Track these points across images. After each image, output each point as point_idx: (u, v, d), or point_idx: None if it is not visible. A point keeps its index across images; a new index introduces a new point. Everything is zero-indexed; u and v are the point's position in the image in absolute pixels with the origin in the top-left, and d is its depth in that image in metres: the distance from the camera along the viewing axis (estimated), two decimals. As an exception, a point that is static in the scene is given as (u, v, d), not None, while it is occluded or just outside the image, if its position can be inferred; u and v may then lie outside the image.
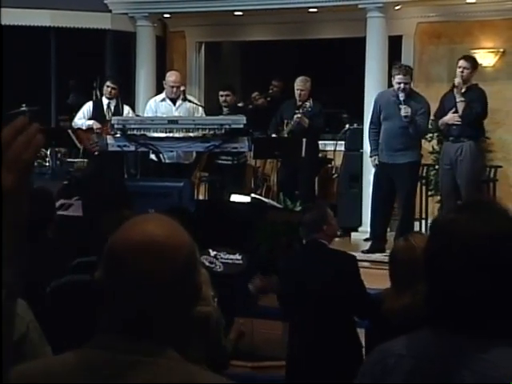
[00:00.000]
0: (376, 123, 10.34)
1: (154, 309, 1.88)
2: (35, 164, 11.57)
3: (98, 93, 11.97)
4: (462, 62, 10.28)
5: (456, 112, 10.16)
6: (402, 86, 9.99)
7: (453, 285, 2.15)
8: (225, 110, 11.63)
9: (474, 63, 10.37)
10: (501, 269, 2.11)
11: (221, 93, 11.84)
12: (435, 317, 2.19)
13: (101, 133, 11.29)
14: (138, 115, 11.79)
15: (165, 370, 1.86)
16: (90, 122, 11.48)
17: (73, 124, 11.74)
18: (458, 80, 10.17)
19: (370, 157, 10.46)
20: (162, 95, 11.39)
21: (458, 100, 10.17)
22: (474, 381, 2.05)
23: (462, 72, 10.22)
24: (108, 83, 11.69)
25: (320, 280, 5.81)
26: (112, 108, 11.65)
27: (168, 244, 1.89)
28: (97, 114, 11.60)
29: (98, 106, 11.69)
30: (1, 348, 1.51)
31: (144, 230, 1.91)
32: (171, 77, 11.38)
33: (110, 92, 11.64)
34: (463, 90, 10.20)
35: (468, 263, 2.13)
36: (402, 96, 9.96)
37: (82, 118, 11.61)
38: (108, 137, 10.74)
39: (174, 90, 11.22)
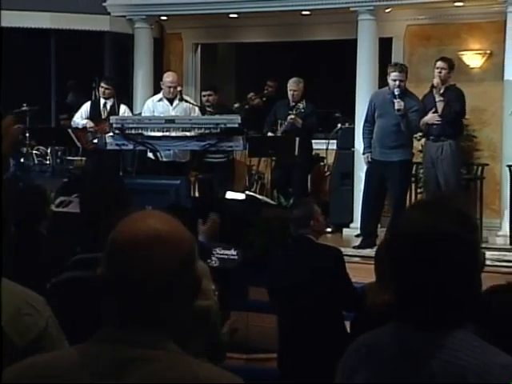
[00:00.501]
0: (370, 121, 10.36)
1: (157, 300, 1.89)
2: (35, 162, 11.61)
3: (97, 93, 11.96)
4: (439, 63, 10.35)
5: (436, 112, 10.21)
6: (397, 82, 10.01)
7: (410, 280, 2.20)
8: (208, 109, 11.63)
9: (450, 64, 10.43)
10: (450, 264, 2.15)
11: (203, 93, 11.90)
12: (400, 310, 2.23)
13: (95, 131, 11.32)
14: (135, 114, 11.77)
15: (166, 364, 1.86)
16: (85, 122, 11.51)
17: (72, 123, 11.75)
18: (436, 80, 10.25)
19: (363, 154, 10.47)
20: (160, 95, 11.39)
21: (437, 100, 10.24)
22: (441, 368, 2.10)
23: (440, 72, 10.29)
24: (102, 84, 11.71)
25: (307, 274, 5.84)
26: (108, 107, 11.67)
27: (170, 237, 1.90)
28: (94, 113, 11.62)
29: (95, 105, 11.72)
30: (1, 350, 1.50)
31: (147, 225, 1.91)
32: (168, 77, 11.39)
33: (104, 92, 11.67)
34: (442, 91, 10.27)
35: (420, 259, 2.17)
36: (397, 91, 9.97)
37: (80, 117, 11.63)
38: (107, 136, 10.75)
39: (171, 90, 11.23)
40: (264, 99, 13.08)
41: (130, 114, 11.64)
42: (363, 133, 10.47)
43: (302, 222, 6.19)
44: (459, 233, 2.18)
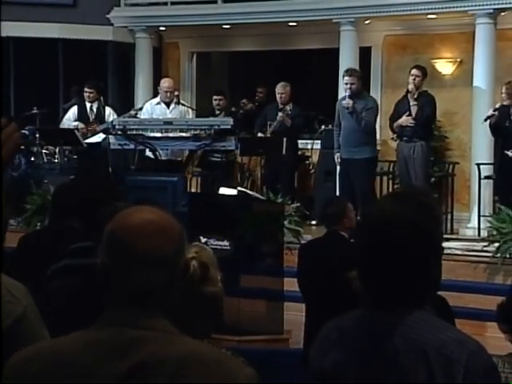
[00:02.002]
0: (338, 125, 10.62)
1: (155, 285, 1.90)
2: (45, 160, 11.59)
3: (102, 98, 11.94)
4: (414, 71, 10.42)
5: (410, 115, 10.27)
6: (348, 85, 10.23)
7: (373, 264, 2.23)
8: (218, 112, 11.66)
9: (424, 71, 10.51)
10: (410, 251, 2.18)
11: (214, 97, 11.89)
12: (365, 293, 2.26)
13: (86, 132, 11.34)
14: (135, 115, 11.75)
15: (164, 343, 1.87)
16: (76, 123, 11.51)
17: (61, 125, 11.74)
18: (411, 86, 10.33)
19: (334, 154, 10.62)
20: (157, 99, 11.41)
21: (411, 104, 10.32)
22: (404, 345, 2.13)
23: (415, 79, 10.35)
24: (85, 88, 11.68)
25: (337, 268, 5.80)
26: (95, 110, 11.67)
27: (163, 226, 1.93)
28: (81, 116, 11.62)
29: (82, 109, 11.69)
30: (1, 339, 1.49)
31: (143, 217, 1.93)
32: (165, 83, 11.40)
33: (89, 96, 11.65)
34: (416, 96, 10.32)
35: (382, 245, 2.20)
36: (348, 92, 10.20)
37: (69, 120, 11.65)
38: (110, 136, 10.76)
39: (168, 94, 11.24)
40: (256, 104, 13.09)
41: (115, 116, 11.56)
42: (334, 136, 10.70)
43: (335, 218, 6.17)
44: (420, 222, 2.20)
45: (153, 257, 1.89)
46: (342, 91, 11.36)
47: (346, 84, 10.27)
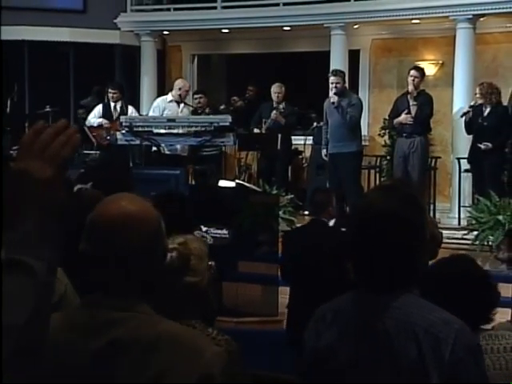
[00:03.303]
0: (326, 123, 10.65)
1: (129, 270, 1.89)
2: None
3: (108, 97, 11.93)
4: (413, 72, 10.37)
5: (409, 113, 10.27)
6: (333, 84, 10.25)
7: (363, 251, 2.23)
8: (199, 110, 11.59)
9: (422, 72, 10.50)
10: (396, 239, 2.19)
11: (195, 96, 11.80)
12: (357, 277, 2.26)
13: (110, 128, 11.32)
14: (141, 114, 11.74)
15: (136, 323, 1.87)
16: (100, 120, 11.50)
17: (86, 122, 11.72)
18: (411, 87, 10.30)
19: (321, 150, 10.70)
20: (169, 97, 11.35)
21: (411, 104, 10.29)
22: (394, 326, 2.15)
23: (414, 80, 10.31)
24: (109, 89, 11.69)
25: (321, 252, 5.79)
26: (118, 108, 11.65)
27: (139, 216, 1.91)
28: (105, 113, 11.60)
29: (106, 107, 11.69)
30: (1, 339, 1.48)
31: (119, 206, 1.93)
32: (181, 83, 11.41)
33: (112, 96, 11.65)
34: (415, 95, 10.29)
35: (371, 233, 2.20)
36: (334, 90, 10.24)
37: (94, 117, 11.62)
38: (117, 132, 10.74)
39: (183, 94, 11.24)
40: (246, 101, 13.07)
41: (137, 114, 11.61)
42: (322, 133, 10.73)
43: (321, 207, 6.16)
44: (406, 213, 2.20)
45: (128, 246, 1.88)
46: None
47: (332, 83, 10.29)
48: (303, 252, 5.94)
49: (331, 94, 10.29)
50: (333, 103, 10.20)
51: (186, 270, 2.83)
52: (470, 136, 10.33)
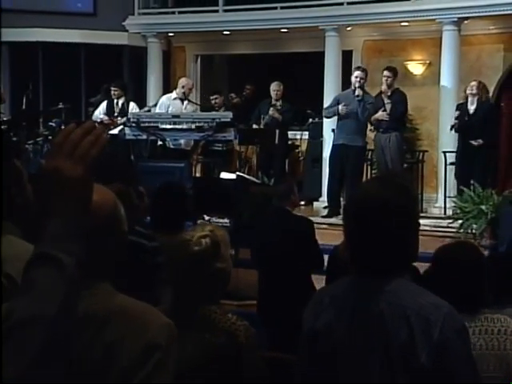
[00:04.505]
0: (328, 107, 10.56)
1: (89, 251, 1.86)
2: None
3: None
4: (385, 72, 10.38)
5: (385, 110, 10.26)
6: (358, 78, 10.19)
7: (360, 238, 2.24)
8: (217, 109, 11.62)
9: (394, 72, 10.47)
10: (391, 226, 2.19)
11: (211, 97, 11.87)
12: (353, 263, 2.26)
13: (109, 124, 11.34)
14: (148, 110, 11.71)
15: (94, 300, 1.88)
16: (102, 116, 11.52)
17: (93, 117, 11.74)
18: (384, 87, 10.34)
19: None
20: (174, 95, 11.32)
21: (386, 102, 10.30)
22: (387, 308, 2.15)
23: (387, 80, 10.32)
24: (111, 87, 11.69)
25: (285, 237, 5.82)
26: (119, 105, 11.67)
27: (96, 202, 1.83)
28: (109, 110, 11.62)
29: (110, 104, 11.70)
30: (1, 344, 1.46)
31: None
32: (185, 81, 11.37)
33: (114, 93, 11.65)
34: (389, 94, 10.29)
35: (367, 221, 2.20)
36: (357, 84, 10.16)
37: (99, 113, 11.65)
38: (125, 128, 10.74)
39: (187, 91, 11.20)
40: (243, 99, 13.06)
41: (138, 109, 11.54)
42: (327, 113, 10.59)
43: (284, 196, 6.17)
44: (399, 202, 2.21)
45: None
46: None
47: (357, 77, 10.18)
48: (267, 238, 5.95)
49: (356, 86, 10.15)
50: (357, 96, 10.09)
51: (217, 256, 2.83)
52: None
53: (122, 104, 11.66)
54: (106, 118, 11.49)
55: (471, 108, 10.06)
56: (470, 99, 10.07)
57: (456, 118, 10.02)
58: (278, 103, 11.39)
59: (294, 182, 6.57)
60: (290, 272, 5.72)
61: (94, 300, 1.87)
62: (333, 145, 10.41)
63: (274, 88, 11.46)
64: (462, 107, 10.12)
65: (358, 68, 10.56)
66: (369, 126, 11.07)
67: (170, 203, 4.70)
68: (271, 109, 11.30)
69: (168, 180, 9.14)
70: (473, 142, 9.86)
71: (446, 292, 2.72)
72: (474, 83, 10.07)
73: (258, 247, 6.13)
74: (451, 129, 10.13)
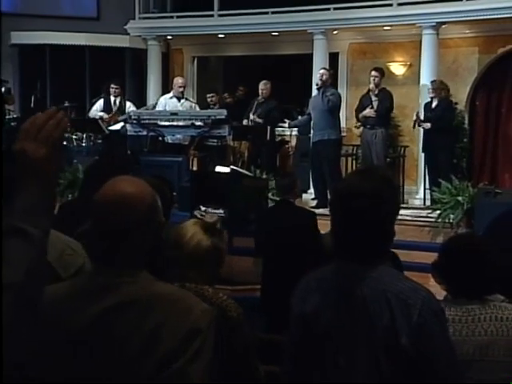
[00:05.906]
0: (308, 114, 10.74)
1: (129, 242, 1.88)
2: (75, 144, 11.51)
3: (109, 92, 11.83)
4: (373, 73, 10.42)
5: (372, 108, 10.27)
6: (372, 78, 10.29)
7: (343, 226, 2.22)
8: (212, 106, 11.57)
9: (382, 72, 10.51)
10: (373, 215, 2.18)
11: (208, 95, 11.81)
12: (338, 250, 2.25)
13: (109, 121, 11.29)
14: (147, 109, 11.65)
15: (135, 287, 1.87)
16: (101, 114, 11.44)
17: (89, 114, 11.68)
18: (372, 86, 10.36)
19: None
20: (171, 94, 11.28)
21: (373, 100, 10.33)
22: (370, 292, 2.15)
23: (374, 79, 10.35)
24: (112, 85, 11.60)
25: (289, 227, 5.79)
26: (117, 103, 11.59)
27: (134, 195, 1.89)
28: (106, 107, 11.54)
29: (107, 101, 11.62)
30: (1, 348, 1.48)
31: (116, 188, 1.91)
32: (179, 80, 11.31)
33: (114, 91, 11.57)
34: (376, 92, 10.31)
35: (350, 210, 2.19)
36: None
37: (96, 110, 11.56)
38: (127, 124, 10.70)
39: (181, 89, 11.14)
40: (235, 99, 13.00)
41: (134, 108, 11.48)
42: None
43: (287, 188, 6.15)
44: (381, 192, 2.19)
45: (126, 222, 1.87)
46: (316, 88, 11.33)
47: (318, 75, 10.28)
48: (272, 228, 5.94)
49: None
50: (316, 85, 10.21)
51: (216, 231, 2.87)
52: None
53: (120, 102, 11.60)
54: (106, 115, 11.39)
55: (433, 104, 10.23)
56: (431, 97, 10.24)
57: (417, 116, 10.22)
58: (261, 99, 11.25)
59: (297, 178, 6.57)
60: (294, 261, 5.71)
61: (137, 287, 1.86)
62: (311, 143, 10.49)
63: (261, 87, 11.42)
64: (426, 105, 10.34)
65: (322, 68, 10.57)
66: (354, 123, 11.09)
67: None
68: (251, 115, 11.19)
69: (172, 173, 9.12)
70: (422, 125, 10.12)
71: (455, 281, 2.73)
72: (430, 84, 10.29)
73: (263, 237, 6.10)
74: (413, 126, 10.35)
